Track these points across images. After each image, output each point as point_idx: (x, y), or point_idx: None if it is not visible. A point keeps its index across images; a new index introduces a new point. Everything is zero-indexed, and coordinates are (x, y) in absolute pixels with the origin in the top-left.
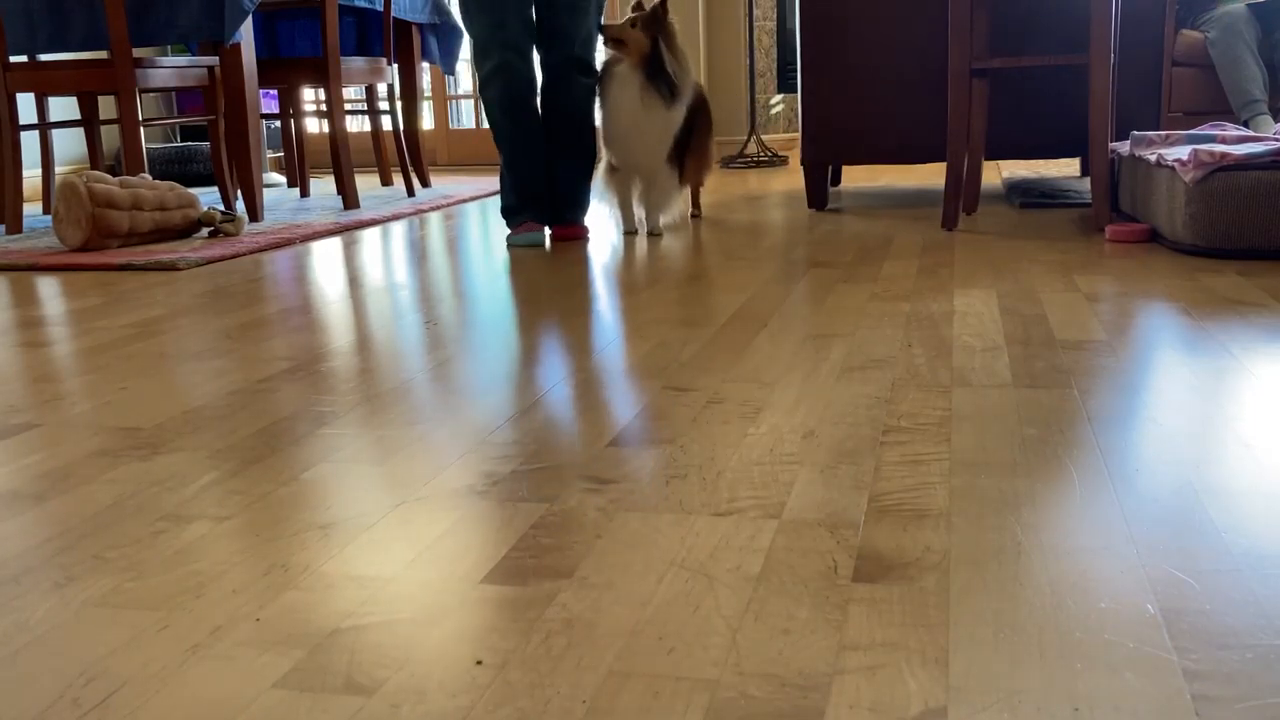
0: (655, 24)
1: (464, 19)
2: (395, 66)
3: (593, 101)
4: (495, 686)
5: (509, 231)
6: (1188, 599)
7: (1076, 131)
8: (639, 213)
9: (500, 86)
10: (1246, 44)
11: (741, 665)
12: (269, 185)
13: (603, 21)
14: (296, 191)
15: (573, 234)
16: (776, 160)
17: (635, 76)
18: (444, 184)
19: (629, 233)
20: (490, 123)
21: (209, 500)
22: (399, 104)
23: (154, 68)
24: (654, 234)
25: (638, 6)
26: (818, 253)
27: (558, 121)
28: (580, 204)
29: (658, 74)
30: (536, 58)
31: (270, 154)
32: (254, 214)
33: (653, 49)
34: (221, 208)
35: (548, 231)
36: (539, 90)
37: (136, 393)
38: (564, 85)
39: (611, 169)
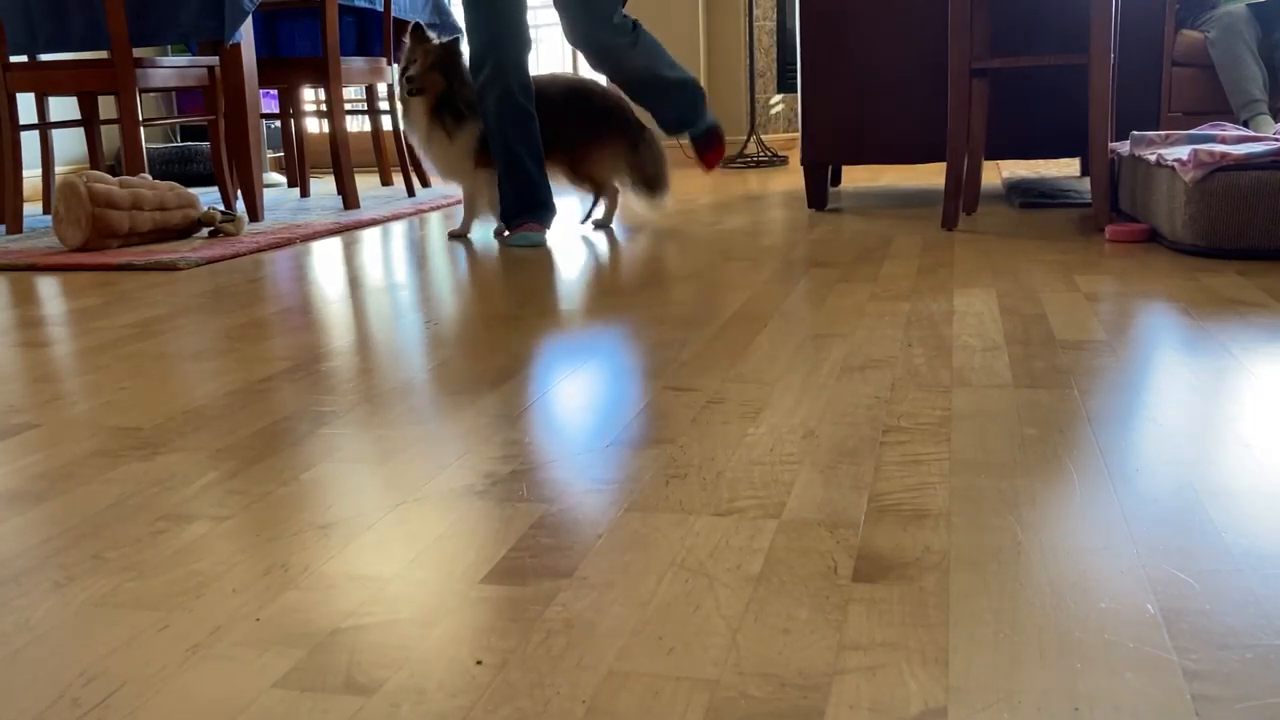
0: (447, 61)
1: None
2: (395, 66)
3: (638, 48)
4: (495, 686)
5: (507, 233)
6: (1188, 599)
7: (1076, 131)
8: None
9: (495, 96)
10: (1246, 44)
11: (741, 665)
12: (269, 185)
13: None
14: (296, 191)
15: (715, 152)
16: (776, 160)
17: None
18: (444, 184)
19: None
20: (487, 132)
21: (209, 500)
22: (399, 104)
23: (154, 68)
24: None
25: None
26: (818, 253)
27: (625, 88)
28: (691, 122)
29: (442, 107)
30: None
31: (270, 154)
32: (254, 214)
33: (447, 87)
34: (221, 208)
35: (547, 234)
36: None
37: (136, 393)
38: (606, 57)
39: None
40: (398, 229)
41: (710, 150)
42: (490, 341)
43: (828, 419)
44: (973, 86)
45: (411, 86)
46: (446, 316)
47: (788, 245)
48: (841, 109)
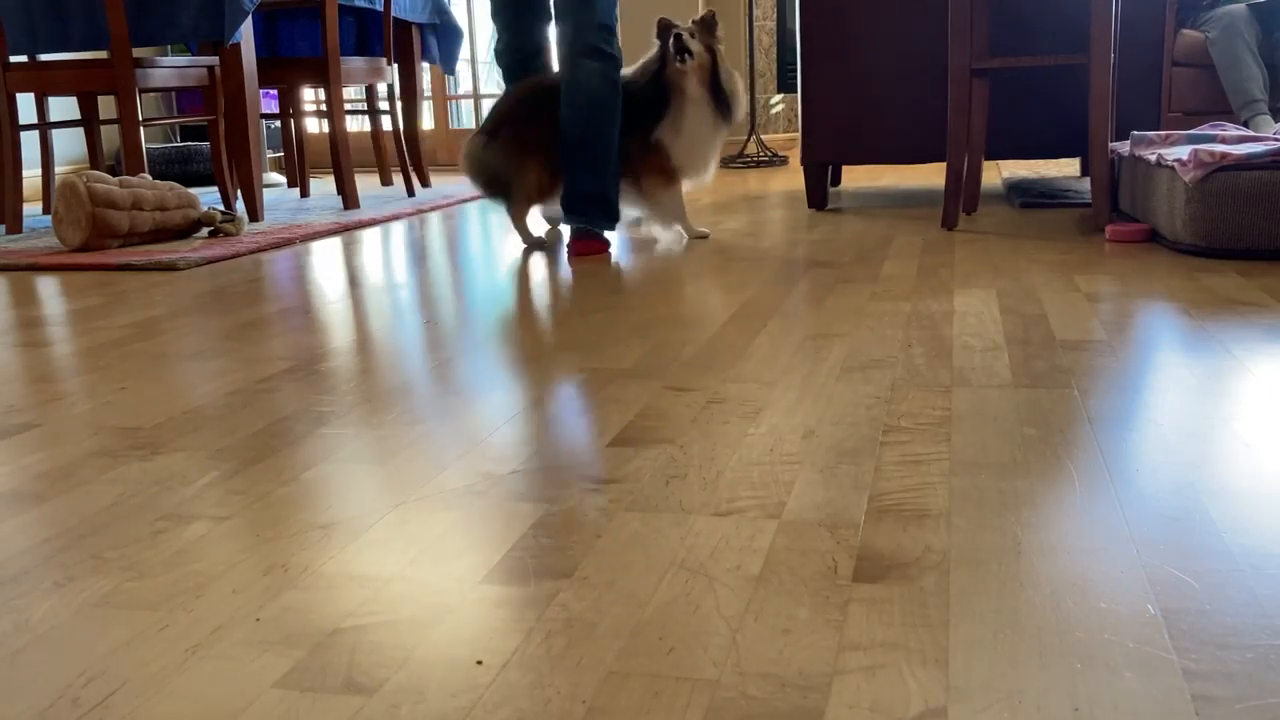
0: (709, 35)
1: None
2: (395, 66)
3: (607, 89)
4: (495, 686)
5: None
6: (1188, 599)
7: (1076, 131)
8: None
9: (505, 63)
10: (1246, 44)
11: (741, 665)
12: (269, 185)
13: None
14: (296, 191)
15: (586, 249)
16: (776, 160)
17: (705, 96)
18: (444, 184)
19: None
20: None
21: (209, 500)
22: (399, 104)
23: (154, 68)
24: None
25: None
26: (818, 253)
27: (565, 113)
28: (590, 211)
29: (718, 92)
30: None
31: (270, 154)
32: (254, 214)
33: (713, 64)
34: (221, 208)
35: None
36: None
37: (136, 393)
38: (570, 71)
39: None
40: (398, 229)
41: (584, 243)
42: (490, 341)
43: (828, 419)
44: (973, 86)
45: (680, 44)
46: (446, 316)
47: (788, 245)
48: (841, 109)
